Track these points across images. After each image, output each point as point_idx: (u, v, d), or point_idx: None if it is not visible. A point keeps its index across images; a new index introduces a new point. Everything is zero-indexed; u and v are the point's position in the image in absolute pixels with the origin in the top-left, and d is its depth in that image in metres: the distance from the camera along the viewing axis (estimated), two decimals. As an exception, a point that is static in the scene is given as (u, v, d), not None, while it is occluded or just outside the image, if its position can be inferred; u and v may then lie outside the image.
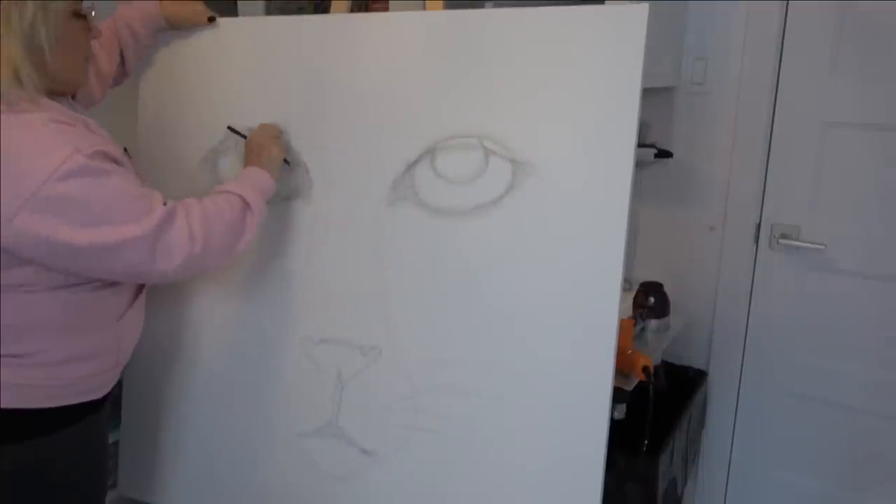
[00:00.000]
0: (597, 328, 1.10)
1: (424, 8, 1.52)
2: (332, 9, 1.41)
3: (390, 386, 1.21)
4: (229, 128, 1.32)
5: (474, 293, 1.16)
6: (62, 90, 1.06)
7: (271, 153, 1.21)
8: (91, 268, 0.99)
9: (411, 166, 1.20)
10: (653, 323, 1.72)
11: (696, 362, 1.88)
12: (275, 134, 1.25)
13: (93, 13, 1.06)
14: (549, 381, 1.13)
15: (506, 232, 1.14)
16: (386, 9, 1.62)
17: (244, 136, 1.28)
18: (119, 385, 1.47)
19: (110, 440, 1.50)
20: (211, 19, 1.36)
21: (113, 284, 1.07)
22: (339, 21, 1.31)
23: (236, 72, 1.34)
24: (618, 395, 1.31)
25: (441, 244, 1.18)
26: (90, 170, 0.93)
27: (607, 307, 1.09)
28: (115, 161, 1.00)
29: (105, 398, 1.14)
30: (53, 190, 0.89)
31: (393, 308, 1.21)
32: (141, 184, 1.05)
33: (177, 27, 1.37)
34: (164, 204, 1.01)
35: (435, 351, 1.19)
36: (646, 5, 1.06)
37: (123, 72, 1.37)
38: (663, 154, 1.79)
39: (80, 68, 1.06)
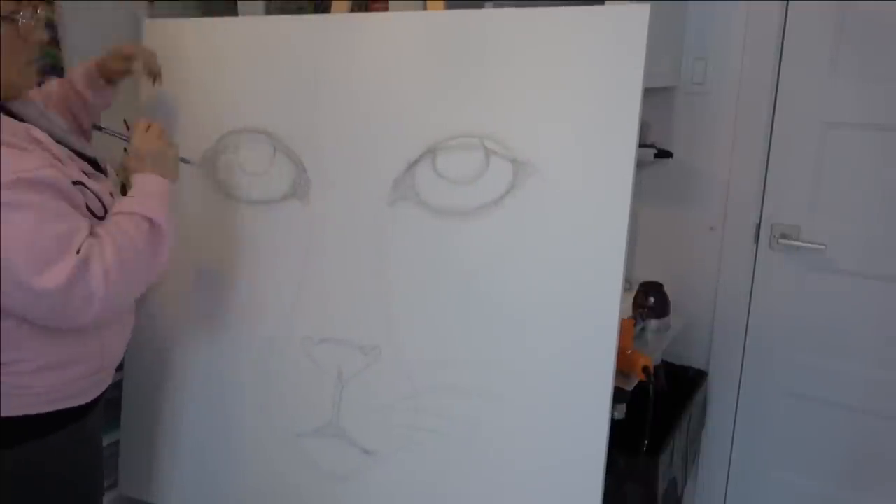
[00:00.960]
0: (597, 328, 1.10)
1: (425, 8, 1.52)
2: (332, 9, 1.40)
3: (391, 386, 1.21)
4: (96, 127, 1.25)
5: (475, 293, 1.17)
6: (6, 95, 1.02)
7: (159, 153, 1.14)
8: (7, 305, 0.93)
9: (412, 166, 1.20)
10: (653, 323, 1.72)
11: (696, 362, 1.88)
12: (157, 133, 1.17)
13: (21, 16, 0.99)
14: (550, 381, 1.13)
15: (507, 232, 1.14)
16: (386, 9, 1.62)
17: (125, 138, 1.20)
18: (119, 386, 1.48)
19: (111, 440, 1.51)
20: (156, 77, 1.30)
21: None
22: (339, 21, 1.31)
23: (236, 71, 1.34)
24: (618, 395, 1.31)
25: (442, 244, 1.18)
26: (10, 203, 0.87)
27: (608, 307, 1.09)
28: (44, 183, 0.93)
29: (94, 402, 1.13)
30: None
31: (393, 308, 1.21)
32: (104, 188, 1.03)
33: (112, 79, 1.30)
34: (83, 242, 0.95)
35: (435, 351, 1.19)
36: (647, 6, 1.06)
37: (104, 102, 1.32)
38: (663, 154, 1.78)
39: (17, 74, 1.01)
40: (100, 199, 1.04)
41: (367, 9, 1.67)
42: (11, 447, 1.01)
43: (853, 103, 1.61)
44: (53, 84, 1.29)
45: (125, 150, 1.17)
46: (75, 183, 1.00)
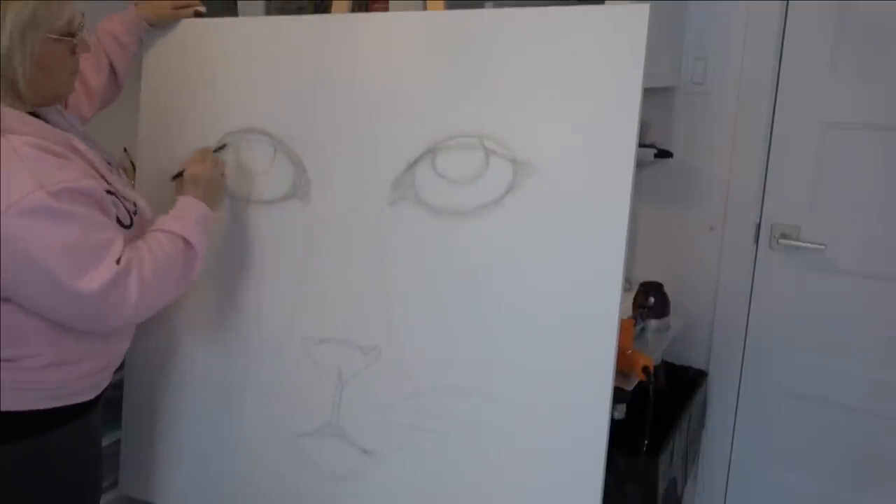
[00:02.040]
0: (597, 328, 1.10)
1: (425, 8, 1.52)
2: (332, 9, 1.40)
3: (391, 386, 1.21)
4: (174, 177, 1.26)
5: (475, 293, 1.16)
6: (46, 102, 1.06)
7: (212, 183, 1.22)
8: (40, 304, 0.98)
9: (412, 166, 1.20)
10: (653, 323, 1.72)
11: (696, 362, 1.88)
12: (213, 163, 1.24)
13: (83, 31, 1.05)
14: (550, 381, 1.13)
15: (506, 232, 1.14)
16: (386, 9, 1.62)
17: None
18: (119, 385, 1.48)
19: (111, 440, 1.51)
20: (198, 13, 1.37)
21: None
22: (339, 21, 1.31)
23: (236, 71, 1.34)
24: (618, 395, 1.31)
25: (442, 244, 1.18)
26: (48, 212, 0.92)
27: (608, 307, 1.09)
28: (85, 194, 0.98)
29: (97, 399, 1.15)
30: (8, 225, 0.89)
31: (393, 308, 1.21)
32: (132, 196, 1.09)
33: (161, 25, 1.38)
34: (122, 252, 1.00)
35: (435, 351, 1.19)
36: (646, 5, 1.06)
37: (116, 83, 1.38)
38: (663, 154, 1.79)
39: (62, 85, 1.06)
40: (125, 206, 1.09)
41: (367, 9, 1.67)
42: (17, 442, 1.03)
43: (853, 103, 1.61)
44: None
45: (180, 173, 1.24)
46: (108, 192, 1.04)
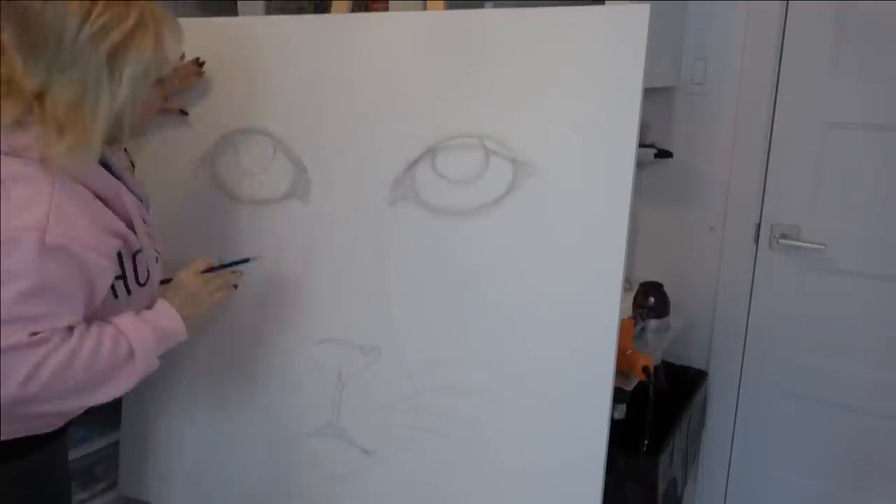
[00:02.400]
0: (598, 328, 1.10)
1: (424, 8, 1.52)
2: (332, 9, 1.40)
3: (391, 386, 1.21)
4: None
5: (475, 293, 1.16)
6: (126, 141, 1.04)
7: (197, 298, 1.07)
8: None
9: (412, 166, 1.20)
10: (653, 323, 1.72)
11: (696, 362, 1.88)
12: (206, 280, 1.10)
13: (168, 80, 1.06)
14: (550, 381, 1.13)
15: (506, 232, 1.14)
16: (386, 8, 1.62)
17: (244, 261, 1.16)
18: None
19: (110, 440, 1.51)
20: (182, 112, 1.34)
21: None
22: (339, 21, 1.31)
23: (237, 72, 1.34)
24: (618, 395, 1.31)
25: (442, 244, 1.18)
26: (23, 253, 0.85)
27: (608, 307, 1.09)
28: (80, 261, 0.90)
29: (60, 431, 1.07)
30: None
31: (393, 308, 1.21)
32: (155, 246, 1.04)
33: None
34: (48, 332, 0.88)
35: (435, 351, 1.19)
36: (647, 5, 1.06)
37: None
38: (663, 154, 1.78)
39: (143, 129, 1.05)
40: (146, 261, 1.03)
41: (367, 9, 1.67)
42: None
43: (853, 103, 1.61)
44: None
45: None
46: (133, 253, 1.00)
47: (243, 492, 1.36)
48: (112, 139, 0.98)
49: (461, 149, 1.16)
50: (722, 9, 1.69)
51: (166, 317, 1.02)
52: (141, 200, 1.08)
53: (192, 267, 1.10)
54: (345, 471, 1.26)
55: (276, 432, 1.32)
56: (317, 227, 1.27)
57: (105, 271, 0.95)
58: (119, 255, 0.98)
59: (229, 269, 1.14)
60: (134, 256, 1.01)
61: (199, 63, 1.33)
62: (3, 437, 0.97)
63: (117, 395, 0.96)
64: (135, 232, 1.01)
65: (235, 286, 1.15)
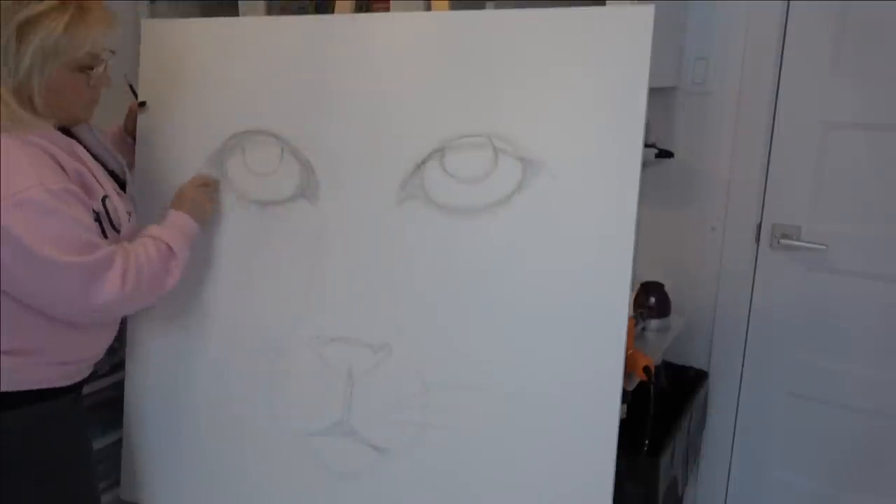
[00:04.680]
0: (607, 326, 1.10)
1: (425, 8, 1.52)
2: (336, 9, 1.40)
3: (401, 384, 1.21)
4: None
5: (484, 291, 1.17)
6: (62, 123, 1.13)
7: (198, 203, 1.27)
8: (21, 281, 1.03)
9: (420, 165, 1.20)
10: (653, 323, 1.72)
11: (697, 362, 1.88)
12: (205, 186, 1.31)
13: (103, 66, 1.12)
14: (559, 379, 1.13)
15: (515, 230, 1.14)
16: (388, 8, 1.62)
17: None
18: (119, 386, 1.47)
19: (111, 440, 1.51)
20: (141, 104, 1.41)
21: None
22: (346, 21, 1.31)
23: (241, 72, 1.34)
24: (619, 395, 1.31)
25: (450, 243, 1.18)
26: (42, 206, 0.99)
27: (617, 305, 1.10)
28: (80, 198, 1.07)
29: (73, 387, 1.19)
30: (7, 214, 0.97)
31: (403, 306, 1.21)
32: (126, 207, 1.19)
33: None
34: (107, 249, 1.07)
35: (445, 349, 1.19)
36: (651, 6, 1.07)
37: None
38: (664, 154, 1.78)
39: (78, 111, 1.14)
40: (118, 216, 1.17)
41: (369, 9, 1.67)
42: None
43: (854, 103, 1.61)
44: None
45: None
46: (104, 198, 1.14)
47: (252, 492, 1.35)
48: (34, 111, 1.05)
49: (470, 148, 1.16)
50: (723, 9, 1.69)
51: (181, 219, 1.23)
52: (107, 166, 1.23)
53: (191, 180, 1.31)
54: (355, 469, 1.26)
55: (285, 432, 1.31)
56: (326, 228, 1.27)
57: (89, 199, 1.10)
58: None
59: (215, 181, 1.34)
60: (103, 201, 1.13)
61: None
62: (22, 387, 1.10)
63: (175, 282, 1.18)
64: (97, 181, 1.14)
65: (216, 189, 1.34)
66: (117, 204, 1.17)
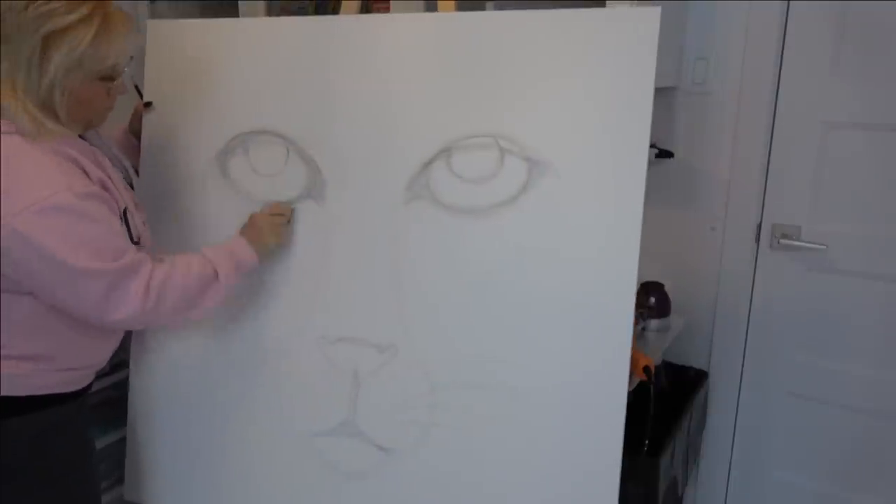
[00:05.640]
0: (612, 325, 1.11)
1: (425, 8, 1.52)
2: (342, 9, 1.40)
3: (407, 384, 1.22)
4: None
5: (490, 291, 1.17)
6: (78, 130, 1.12)
7: (268, 240, 1.24)
8: (47, 286, 1.03)
9: (427, 165, 1.20)
10: (654, 323, 1.72)
11: (697, 362, 1.88)
12: (279, 221, 1.26)
13: (124, 74, 1.12)
14: (565, 378, 1.14)
15: (521, 230, 1.15)
16: (388, 9, 1.62)
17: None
18: (120, 385, 1.47)
19: (113, 438, 1.51)
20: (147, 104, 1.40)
21: None
22: (352, 22, 1.30)
23: (244, 72, 1.34)
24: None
25: (457, 243, 1.19)
26: (72, 210, 0.99)
27: (623, 305, 1.10)
28: (107, 201, 1.06)
29: (74, 395, 1.17)
30: (28, 221, 0.96)
31: (409, 306, 1.22)
32: (141, 217, 1.18)
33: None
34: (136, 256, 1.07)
35: (451, 349, 1.19)
36: (658, 8, 1.07)
37: None
38: (664, 154, 1.79)
39: (95, 117, 1.14)
40: (137, 229, 1.16)
41: (369, 9, 1.67)
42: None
43: (853, 103, 1.62)
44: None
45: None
46: (125, 211, 1.13)
47: (258, 493, 1.35)
48: (57, 119, 1.04)
49: (476, 148, 1.17)
50: (723, 9, 1.69)
51: (240, 246, 1.20)
52: (122, 173, 1.22)
53: (269, 209, 1.27)
54: (361, 469, 1.26)
55: (290, 433, 1.31)
56: (332, 228, 1.27)
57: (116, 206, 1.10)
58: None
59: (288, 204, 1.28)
60: (124, 213, 1.12)
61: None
62: (31, 392, 1.09)
63: (210, 306, 1.15)
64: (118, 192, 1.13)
65: (289, 221, 1.29)
66: (135, 215, 1.17)
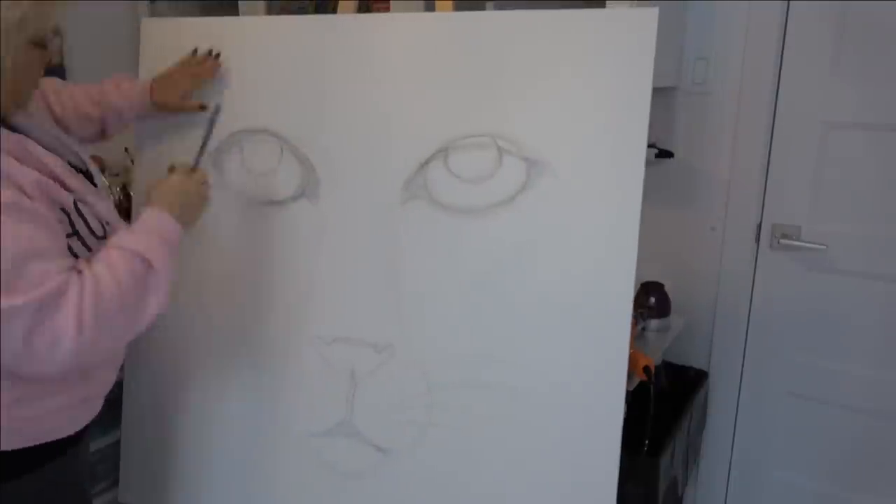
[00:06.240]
0: (609, 326, 1.10)
1: (425, 8, 1.52)
2: (339, 9, 1.40)
3: (404, 383, 1.21)
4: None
5: (487, 291, 1.17)
6: (5, 112, 0.94)
7: (189, 199, 1.04)
8: None
9: (424, 165, 1.19)
10: (654, 323, 1.72)
11: (697, 362, 1.88)
12: (199, 180, 1.09)
13: (52, 41, 0.95)
14: (563, 378, 1.13)
15: (519, 230, 1.14)
16: (388, 9, 1.62)
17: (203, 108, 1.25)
18: (119, 385, 1.47)
19: (111, 440, 1.50)
20: (202, 107, 1.29)
21: None
22: (349, 21, 1.30)
23: (241, 71, 1.33)
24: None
25: (454, 242, 1.18)
26: None
27: (620, 305, 1.10)
28: (24, 208, 0.84)
29: (78, 436, 1.03)
30: None
31: (406, 306, 1.21)
32: (95, 207, 0.96)
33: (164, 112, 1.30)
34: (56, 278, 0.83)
35: (449, 348, 1.19)
36: (655, 8, 1.07)
37: (101, 138, 1.30)
38: (664, 154, 1.79)
39: (26, 94, 0.96)
40: (97, 219, 0.97)
41: (369, 9, 1.67)
42: None
43: (853, 103, 1.62)
44: (74, 91, 1.23)
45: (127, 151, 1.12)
46: (76, 203, 0.94)
47: (255, 494, 1.35)
48: None
49: (474, 148, 1.16)
50: (723, 9, 1.69)
51: (161, 220, 0.97)
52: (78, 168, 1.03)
53: (180, 171, 1.08)
54: (358, 469, 1.25)
55: (287, 433, 1.31)
56: (327, 227, 1.26)
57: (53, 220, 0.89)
58: (64, 211, 0.92)
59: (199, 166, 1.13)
60: (77, 209, 0.94)
61: (214, 55, 1.30)
62: (16, 446, 0.92)
63: (161, 306, 0.93)
64: (62, 184, 0.93)
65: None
66: (95, 204, 0.98)
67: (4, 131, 0.89)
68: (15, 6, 0.84)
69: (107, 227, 0.99)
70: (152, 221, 0.97)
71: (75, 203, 0.94)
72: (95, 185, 1.05)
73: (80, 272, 0.87)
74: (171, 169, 1.10)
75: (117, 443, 1.48)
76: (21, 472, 0.94)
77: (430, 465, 1.21)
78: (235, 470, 1.36)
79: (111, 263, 0.89)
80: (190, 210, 1.04)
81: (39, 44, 0.90)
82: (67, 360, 0.84)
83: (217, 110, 1.20)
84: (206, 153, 1.18)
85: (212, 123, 1.18)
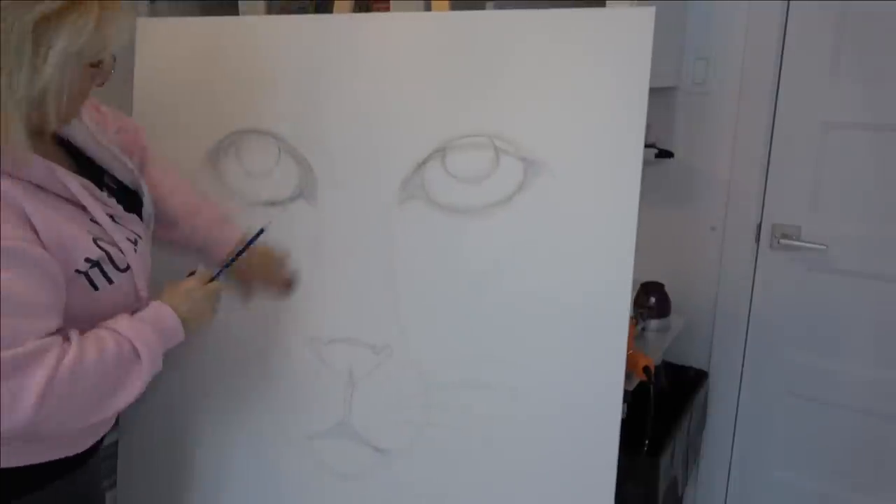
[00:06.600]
0: (607, 326, 1.10)
1: (425, 8, 1.52)
2: (335, 9, 1.40)
3: (402, 384, 1.21)
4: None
5: (485, 291, 1.17)
6: (58, 127, 0.91)
7: (198, 306, 1.01)
8: None
9: (421, 165, 1.19)
10: (653, 323, 1.72)
11: (697, 362, 1.88)
12: (213, 291, 1.05)
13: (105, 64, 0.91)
14: (561, 379, 1.13)
15: (516, 230, 1.14)
16: (388, 9, 1.62)
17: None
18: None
19: (112, 439, 1.50)
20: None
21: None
22: (345, 21, 1.30)
23: (238, 71, 1.33)
24: (619, 395, 1.31)
25: (452, 242, 1.18)
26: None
27: (618, 305, 1.10)
28: (28, 258, 0.80)
29: (89, 452, 1.02)
30: None
31: (404, 306, 1.21)
32: (125, 234, 0.94)
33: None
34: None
35: (447, 349, 1.19)
36: (652, 8, 1.07)
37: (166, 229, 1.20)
38: (664, 154, 1.79)
39: (75, 112, 0.93)
40: (121, 253, 0.94)
41: (368, 9, 1.67)
42: None
43: (853, 103, 1.62)
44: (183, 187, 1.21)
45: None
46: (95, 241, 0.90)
47: (251, 495, 1.35)
48: (37, 127, 0.84)
49: (471, 148, 1.16)
50: (723, 9, 1.69)
51: (163, 315, 0.95)
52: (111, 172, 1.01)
53: (198, 277, 1.06)
54: (357, 470, 1.25)
55: (285, 434, 1.30)
56: (325, 228, 1.26)
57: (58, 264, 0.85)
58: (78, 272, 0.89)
59: (216, 277, 1.09)
60: (97, 244, 0.91)
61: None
62: (23, 462, 0.90)
63: (130, 399, 0.89)
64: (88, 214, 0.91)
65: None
66: (114, 235, 0.94)
67: (36, 162, 0.85)
68: (74, 37, 0.80)
69: (128, 264, 0.95)
70: (153, 314, 0.95)
71: (95, 241, 0.90)
72: (141, 208, 1.04)
73: (66, 339, 0.84)
74: (191, 273, 1.08)
75: (117, 443, 1.48)
76: (32, 489, 0.93)
77: (429, 466, 1.21)
78: (234, 471, 1.36)
79: (103, 346, 0.86)
80: (195, 316, 1.01)
81: (95, 65, 0.88)
82: (18, 425, 0.78)
83: (261, 232, 1.15)
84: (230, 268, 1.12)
85: (250, 243, 1.14)
